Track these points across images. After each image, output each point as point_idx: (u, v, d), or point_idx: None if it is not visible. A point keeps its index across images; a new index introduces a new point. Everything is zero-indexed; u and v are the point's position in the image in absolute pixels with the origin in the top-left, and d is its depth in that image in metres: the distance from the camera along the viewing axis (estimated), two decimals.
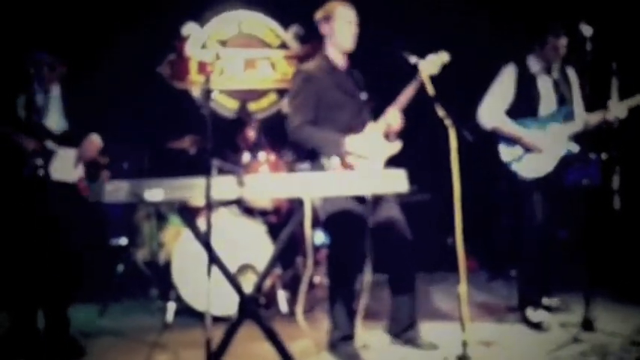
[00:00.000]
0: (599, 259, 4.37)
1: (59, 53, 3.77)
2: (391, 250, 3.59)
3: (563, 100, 4.15)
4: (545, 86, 4.16)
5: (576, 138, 4.09)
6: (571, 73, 4.26)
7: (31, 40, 4.06)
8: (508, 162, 4.11)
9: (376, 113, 3.66)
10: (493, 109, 4.13)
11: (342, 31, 3.64)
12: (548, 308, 4.17)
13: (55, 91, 3.80)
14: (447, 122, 3.24)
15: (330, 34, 3.67)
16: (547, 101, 4.14)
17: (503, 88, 4.16)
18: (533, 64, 4.17)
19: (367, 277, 3.42)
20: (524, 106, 4.11)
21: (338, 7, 3.67)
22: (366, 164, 3.47)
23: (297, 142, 3.57)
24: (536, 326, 3.94)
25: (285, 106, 6.31)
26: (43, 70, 3.71)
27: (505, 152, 4.12)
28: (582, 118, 4.05)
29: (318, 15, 3.70)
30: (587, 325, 3.72)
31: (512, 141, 4.10)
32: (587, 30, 3.71)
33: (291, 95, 3.66)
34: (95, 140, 3.84)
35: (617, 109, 3.93)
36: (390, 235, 3.58)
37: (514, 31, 5.02)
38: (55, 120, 3.77)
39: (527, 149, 4.07)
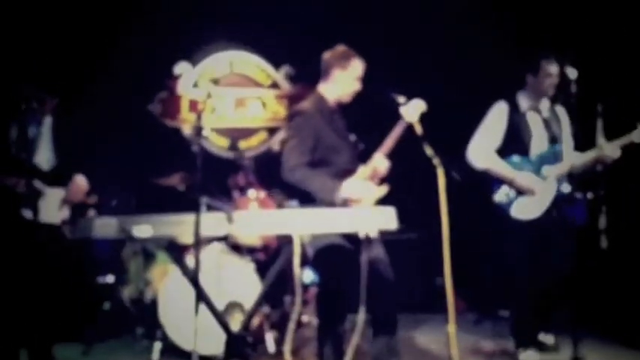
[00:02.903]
0: (587, 299, 4.35)
1: (49, 88, 3.78)
2: (373, 290, 3.44)
3: (554, 138, 4.06)
4: (535, 124, 4.07)
5: (567, 177, 3.98)
6: (561, 111, 4.17)
7: (21, 74, 4.07)
8: (501, 202, 4.03)
9: (362, 155, 3.65)
10: (484, 149, 4.05)
11: (348, 85, 3.60)
12: (543, 345, 4.12)
13: (47, 123, 3.80)
14: (435, 161, 3.26)
15: (335, 81, 3.62)
16: (538, 139, 4.05)
17: (493, 126, 4.08)
18: (524, 102, 4.08)
19: (360, 315, 3.34)
20: (515, 145, 4.02)
21: (354, 60, 3.60)
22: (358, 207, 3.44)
23: (292, 183, 3.51)
24: None
25: (275, 144, 6.40)
26: (32, 103, 3.70)
27: (498, 193, 4.04)
28: (572, 158, 3.96)
29: (330, 56, 3.63)
30: None
31: (504, 182, 4.02)
32: (572, 72, 3.67)
33: (288, 135, 3.61)
34: (81, 182, 3.83)
35: (609, 149, 3.88)
36: (374, 275, 3.46)
37: (504, 67, 4.95)
38: (44, 155, 3.76)
39: (520, 192, 3.99)
